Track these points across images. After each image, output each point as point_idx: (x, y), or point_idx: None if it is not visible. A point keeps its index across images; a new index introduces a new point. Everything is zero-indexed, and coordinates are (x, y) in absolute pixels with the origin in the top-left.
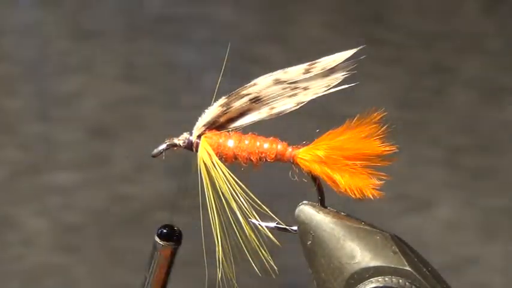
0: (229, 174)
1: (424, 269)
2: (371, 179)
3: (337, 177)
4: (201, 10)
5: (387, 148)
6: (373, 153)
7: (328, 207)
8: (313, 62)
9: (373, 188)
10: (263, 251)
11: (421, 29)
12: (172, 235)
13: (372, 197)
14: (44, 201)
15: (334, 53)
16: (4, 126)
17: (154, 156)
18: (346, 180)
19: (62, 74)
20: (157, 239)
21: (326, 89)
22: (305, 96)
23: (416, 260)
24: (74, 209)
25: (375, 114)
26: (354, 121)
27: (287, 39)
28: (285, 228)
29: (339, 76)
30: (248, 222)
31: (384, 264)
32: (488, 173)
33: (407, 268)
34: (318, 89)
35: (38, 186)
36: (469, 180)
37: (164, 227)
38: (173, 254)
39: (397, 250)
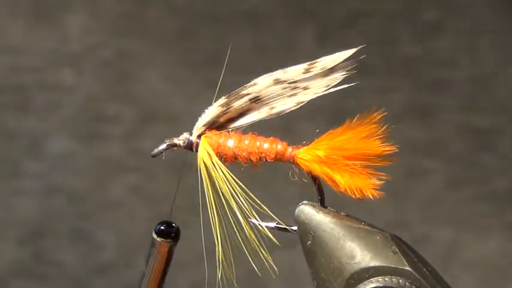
0: (229, 174)
1: (424, 269)
2: (371, 179)
3: (337, 177)
4: (39, 77)
5: (387, 148)
6: (373, 153)
7: (328, 207)
8: (313, 61)
9: (373, 188)
10: (263, 251)
11: None
12: (170, 232)
13: (372, 197)
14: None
15: None
16: None
17: (154, 156)
18: (346, 180)
19: None
20: (154, 236)
21: (326, 88)
22: (305, 96)
23: (416, 260)
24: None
25: (375, 114)
26: (354, 121)
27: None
28: (285, 228)
29: (339, 76)
30: (248, 222)
31: (383, 264)
32: None
33: (407, 268)
34: (317, 88)
35: None
36: None
37: (162, 223)
38: (171, 250)
39: (397, 250)
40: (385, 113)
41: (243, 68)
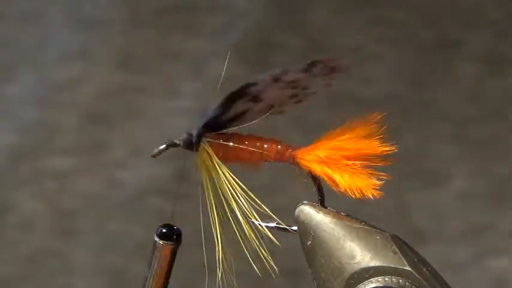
0: (229, 174)
1: (424, 269)
2: (371, 179)
3: (337, 177)
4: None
5: (387, 148)
6: (373, 153)
7: (328, 207)
8: (313, 61)
9: (373, 188)
10: (263, 251)
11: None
12: (171, 234)
13: (372, 197)
14: (41, 186)
15: (345, 37)
16: (2, 111)
17: (154, 156)
18: (346, 180)
19: (60, 61)
20: (156, 239)
21: (326, 88)
22: (305, 96)
23: (416, 260)
24: (70, 194)
25: (375, 114)
26: (354, 121)
27: (298, 27)
28: (285, 228)
29: (339, 75)
30: (248, 222)
31: (384, 264)
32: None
33: (408, 268)
34: (317, 88)
35: (35, 171)
36: (478, 150)
37: (163, 226)
38: (173, 253)
39: (397, 250)
40: (384, 113)
41: None
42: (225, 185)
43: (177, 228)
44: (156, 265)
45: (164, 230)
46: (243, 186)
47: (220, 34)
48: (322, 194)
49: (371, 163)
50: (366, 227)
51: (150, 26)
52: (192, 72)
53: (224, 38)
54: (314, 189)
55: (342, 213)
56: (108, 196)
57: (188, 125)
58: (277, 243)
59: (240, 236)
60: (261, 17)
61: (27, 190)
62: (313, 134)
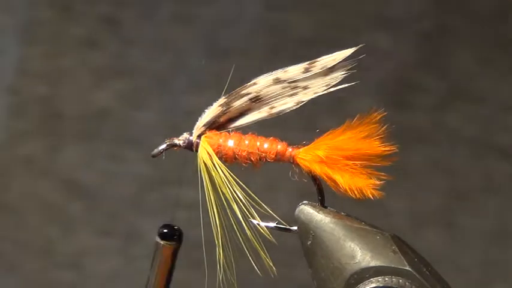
0: (230, 174)
1: (424, 269)
2: (371, 179)
3: (337, 177)
4: (346, 35)
5: (387, 148)
6: (373, 153)
7: (328, 207)
8: (313, 61)
9: (373, 188)
10: (263, 251)
11: None
12: (173, 235)
13: (372, 197)
14: (170, 216)
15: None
16: (134, 139)
17: (154, 156)
18: (346, 180)
19: (192, 89)
20: (158, 239)
21: (326, 88)
22: (305, 96)
23: (416, 260)
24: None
25: (375, 114)
26: (353, 121)
27: (441, 70)
28: (285, 228)
29: (339, 75)
30: (248, 222)
31: (384, 264)
32: None
33: (407, 268)
34: (317, 88)
35: (165, 200)
36: None
37: (164, 226)
38: (175, 253)
39: (397, 250)
40: (384, 113)
41: None
42: (225, 184)
43: (178, 228)
44: (158, 265)
45: (165, 231)
46: (244, 186)
47: (362, 71)
48: (322, 194)
49: (371, 163)
50: (366, 227)
51: (288, 58)
52: (330, 108)
53: (365, 76)
54: (314, 189)
55: (342, 213)
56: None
57: None
58: (276, 243)
59: (240, 236)
60: (404, 58)
61: (157, 220)
62: (313, 133)
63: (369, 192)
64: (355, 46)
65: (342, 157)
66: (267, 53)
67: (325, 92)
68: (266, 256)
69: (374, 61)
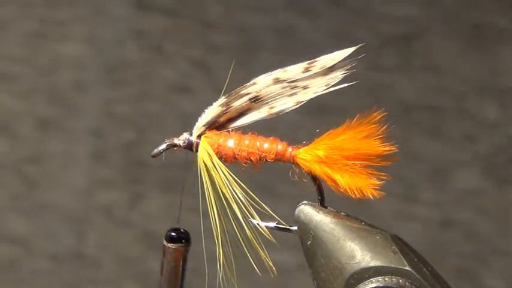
0: (230, 174)
1: (424, 269)
2: (371, 179)
3: (337, 177)
4: (458, 104)
5: (387, 148)
6: (373, 153)
7: (328, 207)
8: (313, 60)
9: (373, 188)
10: (263, 251)
11: None
12: (181, 237)
13: (372, 197)
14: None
15: None
16: None
17: (154, 156)
18: (346, 180)
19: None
20: (166, 243)
21: (326, 87)
22: (305, 95)
23: (416, 260)
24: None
25: (375, 114)
26: (353, 121)
27: None
28: (285, 228)
29: (339, 75)
30: (248, 222)
31: (384, 264)
32: None
33: (408, 268)
34: (317, 87)
35: None
36: None
37: (171, 230)
38: (185, 255)
39: (397, 250)
40: (384, 113)
41: None
42: (225, 184)
43: (185, 230)
44: (168, 269)
45: (173, 234)
46: (244, 186)
47: (467, 142)
48: (322, 194)
49: (371, 163)
50: (366, 227)
51: (392, 121)
52: (432, 178)
53: (471, 148)
54: (314, 189)
55: (342, 213)
56: None
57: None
58: (276, 243)
59: (240, 236)
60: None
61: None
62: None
63: (369, 192)
64: (459, 114)
65: (341, 157)
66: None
67: (325, 91)
68: (266, 256)
69: (479, 131)
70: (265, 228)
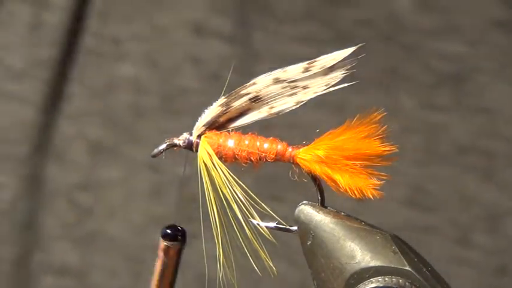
0: (230, 174)
1: (424, 269)
2: (371, 179)
3: (337, 177)
4: (502, 145)
5: (387, 148)
6: (373, 153)
7: (328, 207)
8: (313, 60)
9: (373, 188)
10: (263, 251)
11: None
12: (176, 234)
13: (372, 197)
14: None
15: None
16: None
17: (154, 156)
18: (346, 180)
19: None
20: (162, 240)
21: (326, 87)
22: (305, 95)
23: (416, 260)
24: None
25: (375, 114)
26: (353, 121)
27: None
28: (285, 228)
29: (338, 75)
30: (248, 222)
31: (384, 264)
32: None
33: (408, 268)
34: (317, 87)
35: None
36: None
37: (167, 227)
38: (179, 253)
39: (397, 250)
40: (384, 113)
41: None
42: (225, 184)
43: (181, 228)
44: (163, 266)
45: (169, 231)
46: (244, 186)
47: None
48: (322, 194)
49: (371, 163)
50: (366, 227)
51: (447, 163)
52: (486, 223)
53: None
54: (314, 189)
55: (342, 214)
56: None
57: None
58: (275, 243)
59: (240, 236)
60: None
61: None
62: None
63: (369, 192)
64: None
65: (342, 157)
66: (418, 153)
67: (325, 91)
68: (266, 256)
69: None
70: (265, 229)
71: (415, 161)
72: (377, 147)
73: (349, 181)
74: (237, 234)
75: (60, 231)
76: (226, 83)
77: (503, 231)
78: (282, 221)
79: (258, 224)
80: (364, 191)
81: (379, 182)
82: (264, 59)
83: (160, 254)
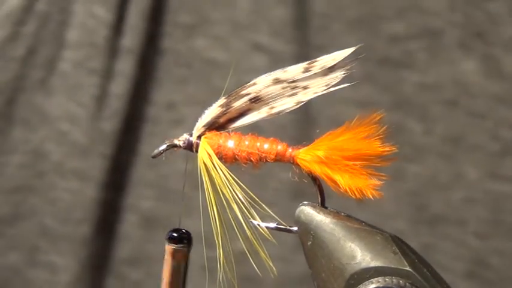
0: (230, 175)
1: (425, 270)
2: (371, 180)
3: (337, 177)
4: None
5: (387, 148)
6: (373, 154)
7: (329, 208)
8: (313, 60)
9: (373, 189)
10: (263, 252)
11: None
12: (182, 237)
13: (372, 198)
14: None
15: None
16: None
17: (154, 157)
18: (346, 181)
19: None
20: (168, 244)
21: (326, 88)
22: (305, 96)
23: (416, 260)
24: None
25: (375, 115)
26: (353, 121)
27: None
28: (285, 229)
29: (338, 75)
30: (248, 223)
31: (384, 265)
32: None
33: (408, 269)
34: (317, 88)
35: None
36: None
37: (173, 231)
38: (186, 256)
39: (398, 251)
40: (384, 114)
41: None
42: (225, 185)
43: (186, 231)
44: (171, 270)
45: (174, 235)
46: (244, 187)
47: None
48: (322, 194)
49: (371, 163)
50: (366, 227)
51: (502, 237)
52: None
53: None
54: (314, 189)
55: (342, 214)
56: None
57: None
58: (276, 243)
59: (241, 237)
60: None
61: None
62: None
63: (369, 193)
64: None
65: (341, 157)
66: (482, 226)
67: (325, 92)
68: (266, 256)
69: None
70: (265, 229)
71: (478, 233)
72: (377, 147)
73: (349, 181)
74: (236, 234)
75: None
76: (226, 86)
77: None
78: (282, 222)
79: (259, 225)
80: (364, 191)
81: (379, 183)
82: (319, 123)
83: (168, 258)
